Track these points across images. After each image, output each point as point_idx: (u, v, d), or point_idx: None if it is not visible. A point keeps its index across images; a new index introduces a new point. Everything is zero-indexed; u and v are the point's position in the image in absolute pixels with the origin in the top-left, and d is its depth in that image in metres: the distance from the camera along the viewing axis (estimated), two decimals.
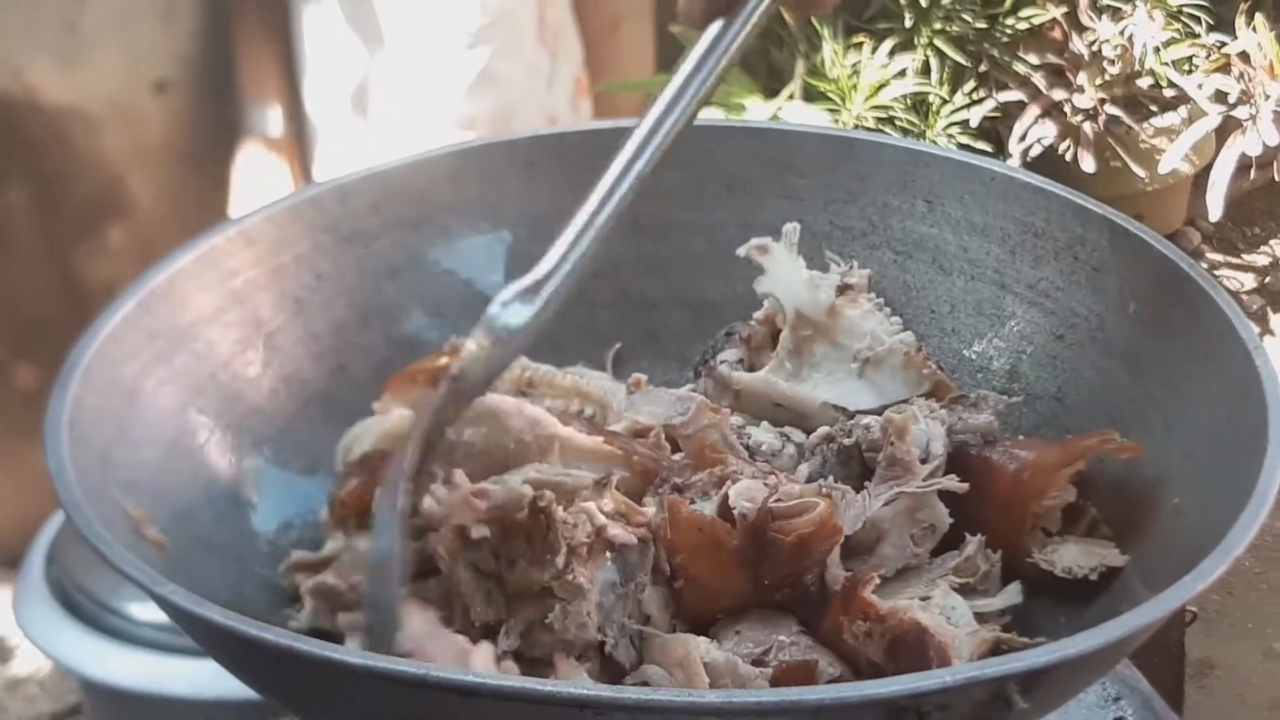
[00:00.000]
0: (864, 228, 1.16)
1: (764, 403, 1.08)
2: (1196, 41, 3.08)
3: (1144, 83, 3.07)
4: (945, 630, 0.85)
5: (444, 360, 1.05)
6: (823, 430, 1.03)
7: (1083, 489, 0.98)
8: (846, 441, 1.00)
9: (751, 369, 1.10)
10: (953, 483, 0.96)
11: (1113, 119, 3.02)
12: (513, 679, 0.71)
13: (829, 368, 1.08)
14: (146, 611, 1.80)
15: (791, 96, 2.91)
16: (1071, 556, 0.95)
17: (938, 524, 0.96)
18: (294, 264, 1.10)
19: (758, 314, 1.11)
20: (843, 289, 1.09)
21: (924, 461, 0.96)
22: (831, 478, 0.98)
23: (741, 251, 1.09)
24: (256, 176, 2.42)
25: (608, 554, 0.88)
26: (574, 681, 0.83)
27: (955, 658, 0.84)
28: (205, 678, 1.71)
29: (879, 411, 1.02)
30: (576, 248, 0.95)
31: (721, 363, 1.10)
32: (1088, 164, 2.95)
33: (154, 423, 0.98)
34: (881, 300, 1.10)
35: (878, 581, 0.87)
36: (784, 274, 1.09)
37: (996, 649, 0.88)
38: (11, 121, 2.40)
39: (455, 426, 0.93)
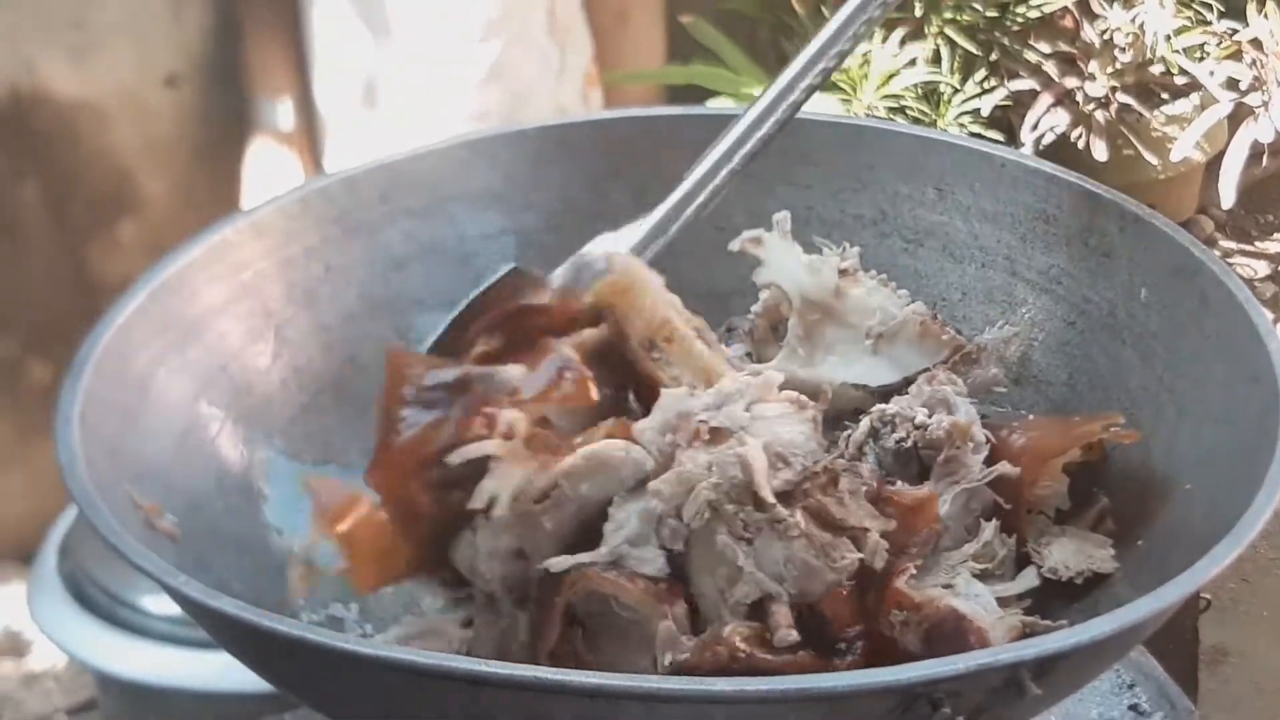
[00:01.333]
0: (874, 216, 1.15)
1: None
2: (1208, 29, 3.07)
3: (1156, 70, 3.06)
4: (982, 616, 0.84)
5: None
6: (864, 426, 1.01)
7: (1095, 475, 0.98)
8: (904, 443, 0.99)
9: (758, 362, 1.09)
10: (1007, 467, 0.95)
11: (1124, 107, 3.01)
12: (526, 668, 0.71)
13: (842, 349, 1.07)
14: (160, 605, 1.80)
15: None
16: (1061, 555, 0.95)
17: (987, 510, 0.96)
18: (303, 255, 1.10)
19: (755, 307, 1.11)
20: (841, 271, 1.08)
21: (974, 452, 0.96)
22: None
23: (735, 246, 1.09)
24: (268, 171, 2.43)
25: None
26: (584, 671, 0.83)
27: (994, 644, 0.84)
28: (219, 670, 1.72)
29: (903, 385, 1.02)
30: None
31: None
32: (1100, 152, 2.94)
33: (165, 414, 0.98)
34: (884, 276, 1.09)
35: (912, 572, 0.87)
36: (783, 262, 1.08)
37: (1023, 635, 0.88)
38: (23, 116, 2.41)
39: (571, 482, 0.90)
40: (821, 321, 1.07)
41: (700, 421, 0.88)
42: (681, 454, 0.87)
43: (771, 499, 0.84)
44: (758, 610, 0.85)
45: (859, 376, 1.05)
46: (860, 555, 0.85)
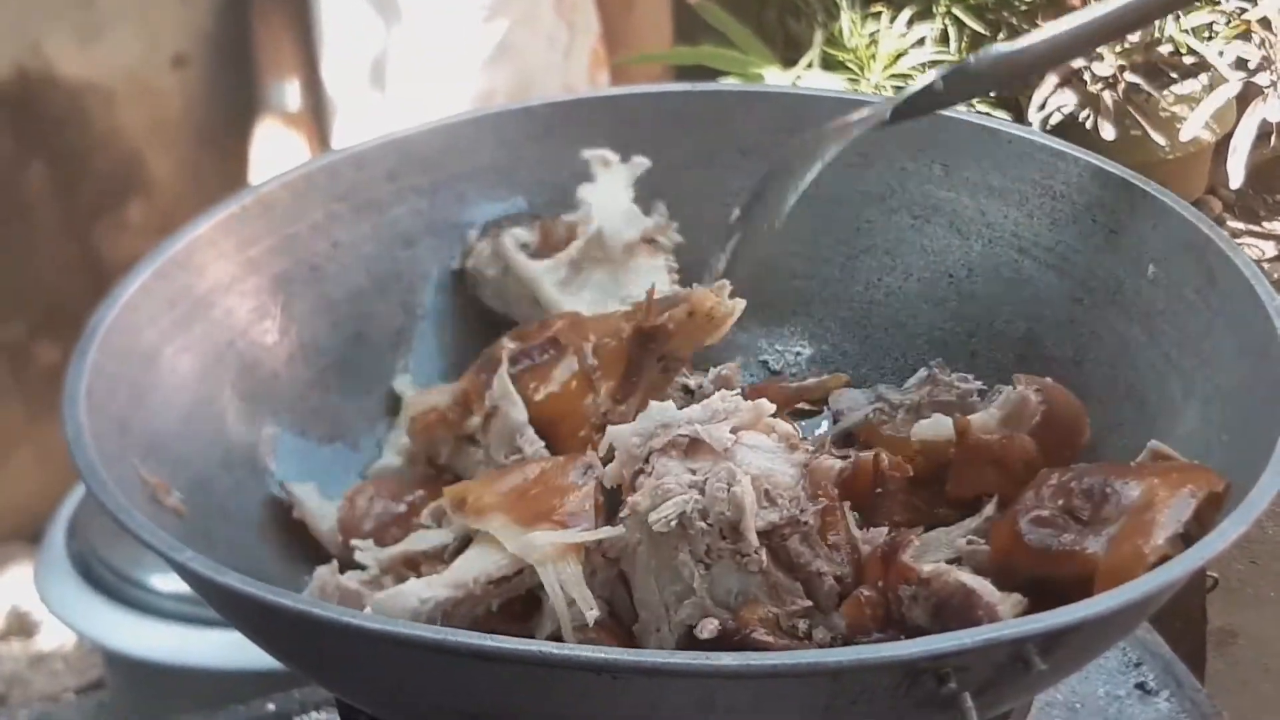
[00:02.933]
0: (881, 192, 1.15)
1: (524, 293, 1.11)
2: (1217, 8, 3.07)
3: (1164, 50, 3.06)
4: (991, 591, 0.84)
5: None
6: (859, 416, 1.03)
7: (1101, 451, 0.98)
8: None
9: (534, 257, 1.13)
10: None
11: (1133, 87, 3.01)
12: (531, 643, 0.71)
13: (595, 295, 1.11)
14: (168, 583, 1.81)
15: (810, 66, 2.90)
16: None
17: None
18: (310, 232, 1.10)
19: (568, 216, 1.14)
20: (649, 240, 1.12)
21: None
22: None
23: (587, 154, 1.13)
24: (275, 151, 2.42)
25: None
26: (591, 646, 0.83)
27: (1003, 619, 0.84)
28: (227, 648, 1.72)
29: None
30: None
31: (509, 235, 1.13)
32: (1108, 132, 2.94)
33: (172, 391, 0.98)
34: (676, 268, 1.13)
35: (916, 543, 0.87)
36: (610, 193, 1.12)
37: (1028, 611, 0.88)
38: (30, 98, 2.40)
39: None
40: (599, 261, 1.11)
41: (681, 434, 0.88)
42: (655, 459, 0.87)
43: (755, 541, 0.84)
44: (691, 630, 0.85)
45: None
46: (809, 603, 0.86)
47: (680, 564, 0.85)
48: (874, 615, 0.85)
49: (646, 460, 0.87)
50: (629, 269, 1.11)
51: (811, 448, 0.92)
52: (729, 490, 0.84)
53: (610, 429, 0.91)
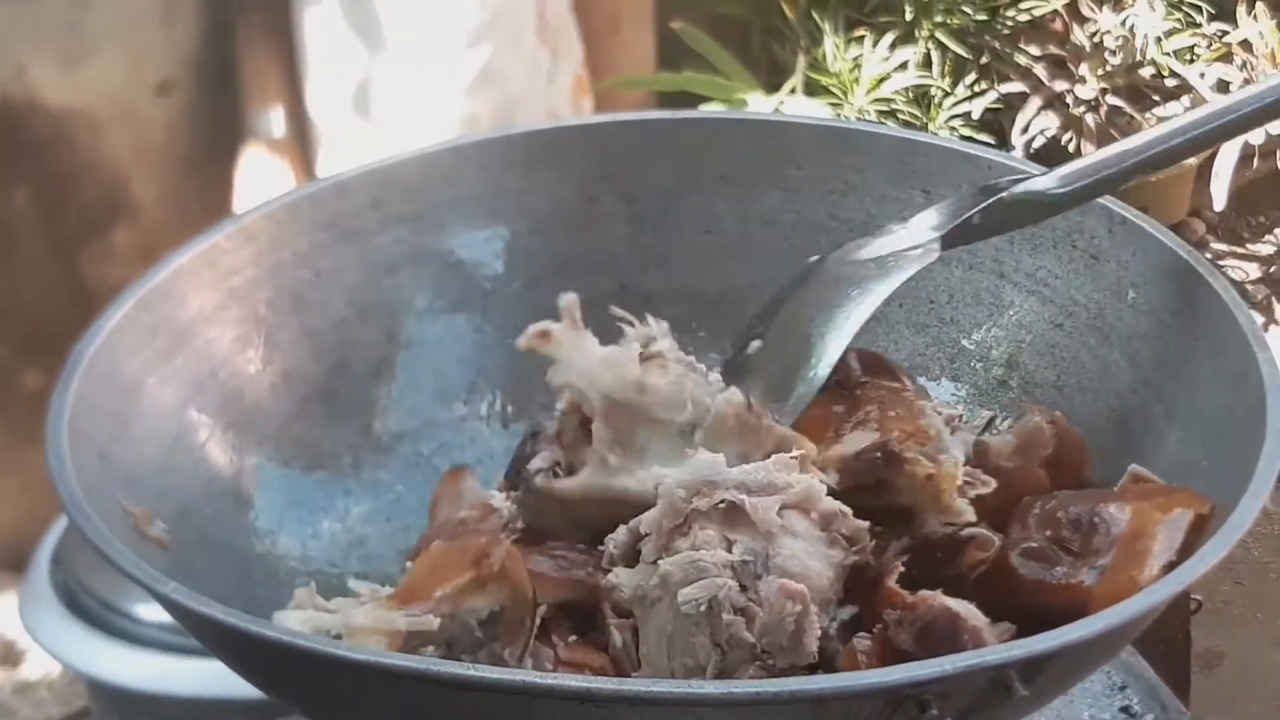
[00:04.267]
0: (862, 219, 1.15)
1: (598, 506, 0.95)
2: (1198, 31, 3.08)
3: (1146, 73, 3.08)
4: (977, 616, 0.84)
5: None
6: None
7: (1081, 478, 0.98)
8: None
9: (571, 471, 0.97)
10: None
11: (1115, 109, 3.02)
12: (514, 672, 0.71)
13: (657, 448, 0.96)
14: (153, 612, 1.80)
15: (793, 90, 2.91)
16: None
17: None
18: (293, 261, 1.10)
19: (560, 404, 1.00)
20: (647, 356, 0.98)
21: None
22: None
23: (521, 344, 1.00)
24: (260, 178, 2.43)
25: None
26: (574, 675, 0.83)
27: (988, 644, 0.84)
28: (212, 678, 1.72)
29: None
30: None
31: (536, 473, 0.97)
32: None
33: (155, 421, 0.98)
34: (691, 359, 1.01)
35: (901, 569, 0.87)
36: (577, 359, 0.98)
37: (1015, 636, 0.88)
38: (14, 123, 2.41)
39: None
40: (629, 422, 0.96)
41: (725, 498, 0.85)
42: (695, 520, 0.85)
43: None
44: None
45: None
46: None
47: (698, 646, 0.83)
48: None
49: (685, 519, 0.86)
50: (660, 403, 0.95)
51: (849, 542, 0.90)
52: (794, 622, 0.83)
53: (661, 471, 0.89)
